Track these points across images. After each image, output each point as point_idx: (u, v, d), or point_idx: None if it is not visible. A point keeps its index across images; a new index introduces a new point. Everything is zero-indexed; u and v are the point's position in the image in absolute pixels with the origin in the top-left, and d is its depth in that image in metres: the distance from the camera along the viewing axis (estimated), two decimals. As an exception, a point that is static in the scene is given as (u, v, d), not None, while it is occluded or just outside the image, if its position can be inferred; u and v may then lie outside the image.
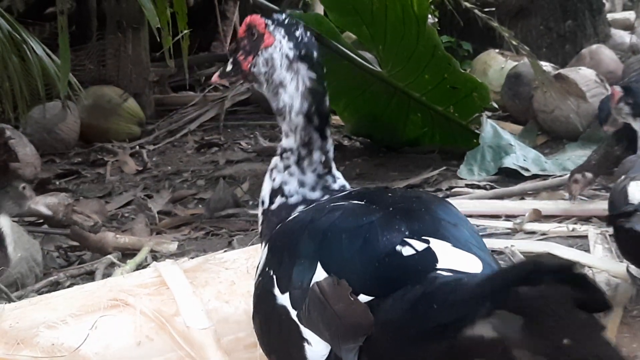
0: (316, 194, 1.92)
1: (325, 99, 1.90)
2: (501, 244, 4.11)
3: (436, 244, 1.59)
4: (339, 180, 1.96)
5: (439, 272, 1.52)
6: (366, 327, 1.48)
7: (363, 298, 1.52)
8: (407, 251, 1.57)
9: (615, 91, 3.87)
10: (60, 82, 4.41)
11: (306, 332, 1.61)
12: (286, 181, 1.92)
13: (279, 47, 1.88)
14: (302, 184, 1.92)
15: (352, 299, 1.51)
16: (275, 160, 1.95)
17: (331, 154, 1.95)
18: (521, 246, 4.08)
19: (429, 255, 1.56)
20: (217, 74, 2.06)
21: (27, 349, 2.32)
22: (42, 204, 3.99)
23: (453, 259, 1.56)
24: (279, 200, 1.93)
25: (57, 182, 6.23)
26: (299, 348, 1.62)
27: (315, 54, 1.89)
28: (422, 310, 1.42)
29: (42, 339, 2.34)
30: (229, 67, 2.00)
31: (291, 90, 1.87)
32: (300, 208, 1.90)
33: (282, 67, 1.88)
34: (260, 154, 6.59)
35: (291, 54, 1.87)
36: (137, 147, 7.16)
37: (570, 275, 1.27)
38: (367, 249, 1.59)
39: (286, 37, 1.89)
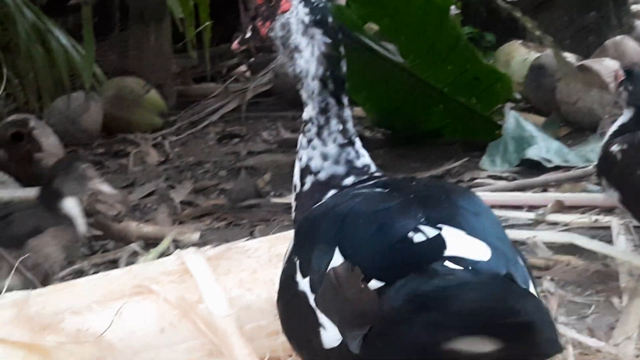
0: (341, 169, 1.93)
1: (341, 65, 1.94)
2: (523, 235, 4.10)
3: (449, 231, 1.59)
4: (363, 158, 1.97)
5: (444, 261, 1.52)
6: (372, 315, 1.48)
7: (375, 284, 1.53)
8: (418, 238, 1.58)
9: (618, 74, 3.71)
10: (84, 73, 4.44)
11: (322, 317, 1.62)
12: (311, 156, 1.94)
13: (295, 12, 1.94)
14: (325, 156, 1.94)
15: (362, 285, 1.51)
16: (299, 138, 1.98)
17: (350, 125, 1.97)
18: (544, 237, 4.07)
19: (438, 243, 1.56)
20: (236, 41, 2.11)
21: (53, 335, 2.35)
22: (104, 183, 3.91)
23: (462, 247, 1.56)
24: (309, 179, 1.95)
25: (81, 173, 6.27)
26: (315, 333, 1.62)
27: (330, 19, 1.93)
28: (407, 322, 1.42)
29: (67, 324, 2.38)
30: (248, 34, 2.06)
31: (307, 55, 1.92)
32: (332, 192, 1.90)
33: (297, 31, 1.93)
34: (282, 145, 6.58)
35: (307, 19, 1.93)
36: (160, 138, 7.18)
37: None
38: (380, 235, 1.60)
39: (302, 3, 1.94)
